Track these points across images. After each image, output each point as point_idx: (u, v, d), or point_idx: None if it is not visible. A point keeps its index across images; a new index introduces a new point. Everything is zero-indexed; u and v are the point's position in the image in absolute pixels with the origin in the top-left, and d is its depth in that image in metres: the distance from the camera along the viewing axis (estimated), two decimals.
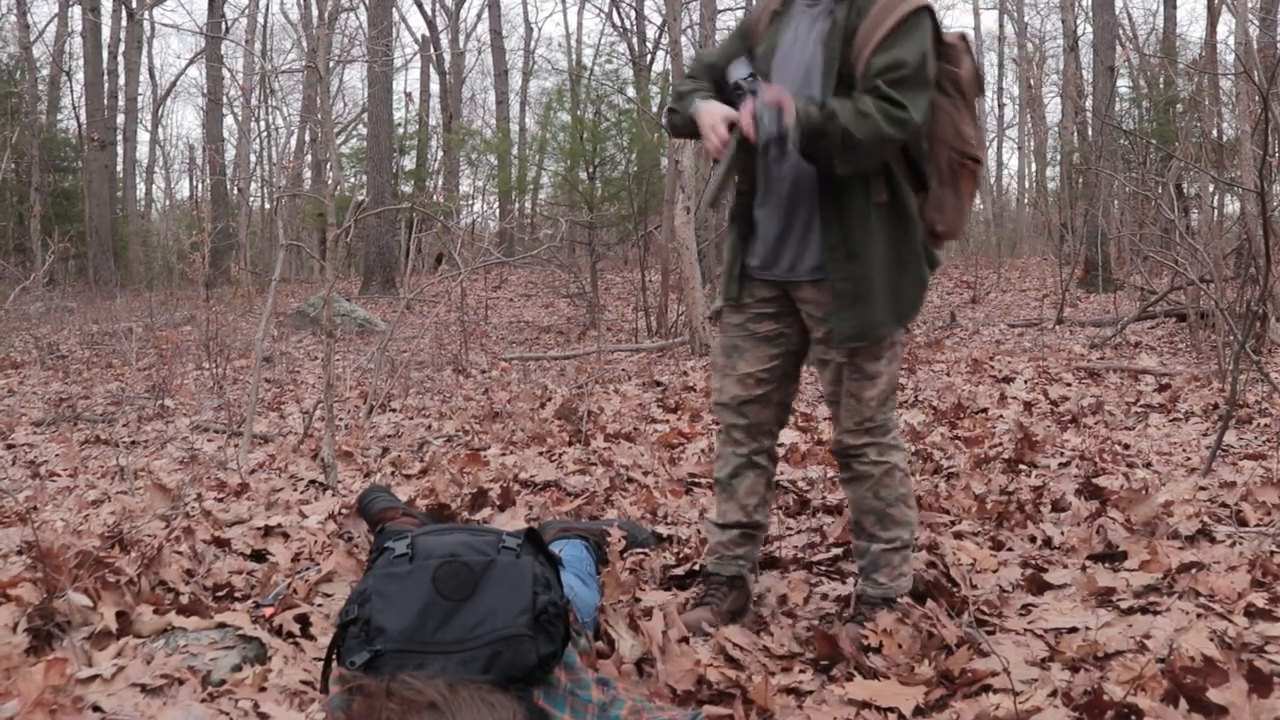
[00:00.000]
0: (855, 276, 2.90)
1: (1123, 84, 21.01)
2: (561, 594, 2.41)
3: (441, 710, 1.92)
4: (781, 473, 4.91)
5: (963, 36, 3.02)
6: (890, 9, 2.82)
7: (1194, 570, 3.32)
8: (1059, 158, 24.97)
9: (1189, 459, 5.13)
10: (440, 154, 32.04)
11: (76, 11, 28.83)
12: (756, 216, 3.08)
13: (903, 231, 2.93)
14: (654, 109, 19.19)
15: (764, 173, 3.03)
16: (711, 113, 2.92)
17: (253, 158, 33.83)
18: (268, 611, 3.14)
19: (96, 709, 2.47)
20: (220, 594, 3.44)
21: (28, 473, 6.10)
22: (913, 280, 2.98)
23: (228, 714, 2.51)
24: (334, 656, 2.30)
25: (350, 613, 2.29)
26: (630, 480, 5.10)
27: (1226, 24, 21.50)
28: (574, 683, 2.33)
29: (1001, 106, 41.03)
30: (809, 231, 2.99)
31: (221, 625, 2.99)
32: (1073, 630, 2.91)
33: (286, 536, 4.07)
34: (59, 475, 5.97)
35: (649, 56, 32.24)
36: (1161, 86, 21.09)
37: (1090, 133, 19.15)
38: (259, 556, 3.87)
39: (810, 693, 2.73)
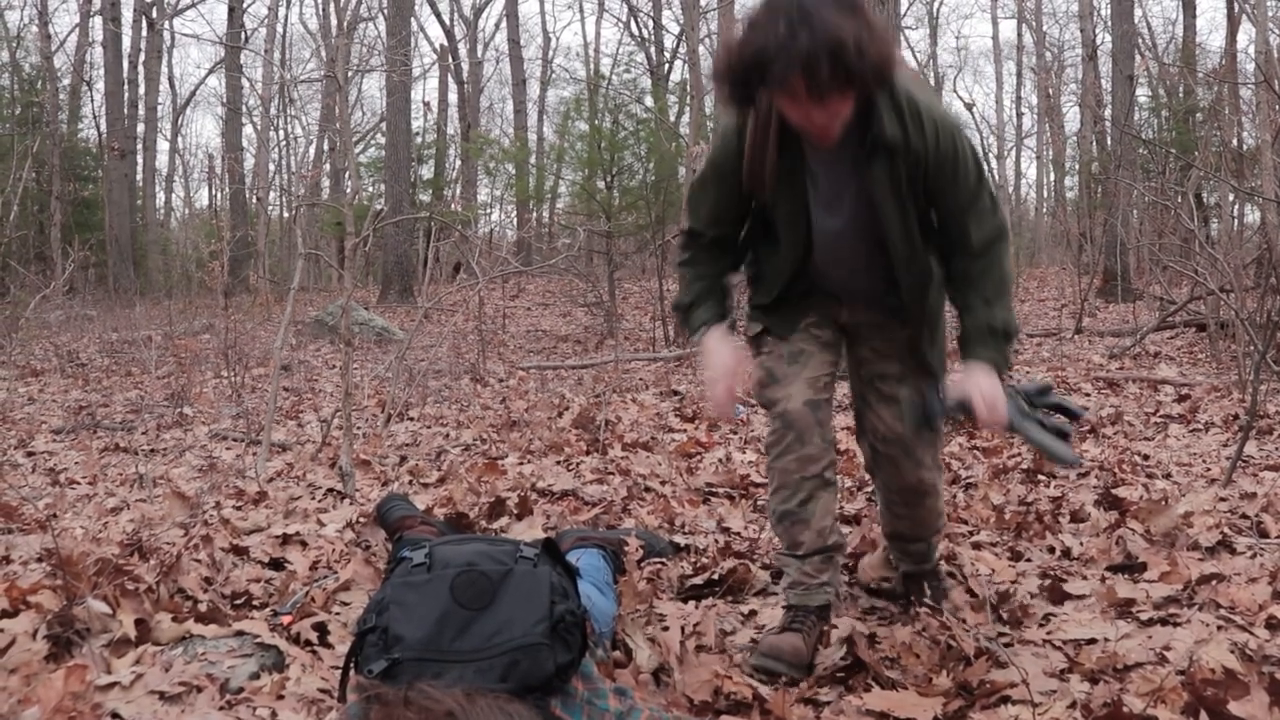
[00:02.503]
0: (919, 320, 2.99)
1: (1142, 93, 20.98)
2: (579, 603, 2.41)
3: (459, 719, 1.92)
4: None
5: None
6: (933, 150, 2.69)
7: (1214, 582, 3.30)
8: (1077, 167, 24.88)
9: (1209, 470, 5.11)
10: (458, 163, 32.14)
11: (97, 22, 28.99)
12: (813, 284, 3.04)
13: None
14: (672, 118, 19.21)
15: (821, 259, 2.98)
16: (717, 368, 2.94)
17: (271, 167, 33.99)
18: (286, 620, 3.15)
19: (115, 716, 2.47)
20: (238, 602, 3.44)
21: (48, 480, 6.13)
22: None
23: None
24: (352, 665, 2.31)
25: (368, 621, 2.29)
26: (648, 489, 5.10)
27: (1247, 33, 21.37)
28: (591, 692, 2.33)
29: (1020, 115, 40.92)
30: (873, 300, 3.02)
31: (240, 633, 3.00)
32: (1092, 641, 2.90)
33: (304, 545, 4.07)
34: (78, 483, 5.99)
35: (667, 66, 32.32)
36: (1181, 95, 21.03)
37: (1109, 142, 19.10)
38: (277, 565, 3.88)
39: (828, 703, 2.73)
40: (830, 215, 2.85)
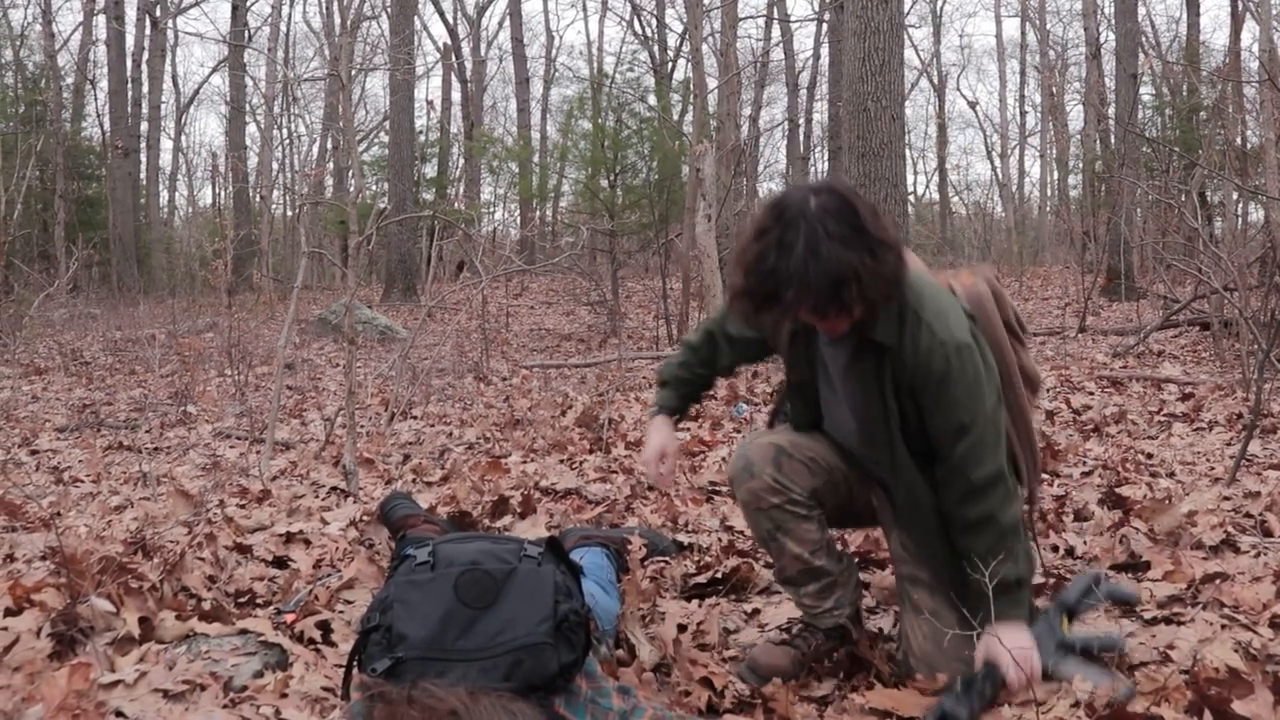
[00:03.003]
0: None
1: (1145, 91, 20.94)
2: (583, 602, 2.41)
3: (463, 718, 1.92)
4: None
5: (985, 291, 2.87)
6: (923, 366, 2.59)
7: (1218, 581, 3.29)
8: (1081, 165, 24.82)
9: (1213, 469, 5.10)
10: (462, 162, 32.10)
11: (101, 20, 28.98)
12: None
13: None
14: (675, 117, 19.20)
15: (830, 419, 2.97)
16: (649, 448, 3.14)
17: (275, 165, 33.99)
18: (289, 618, 3.15)
19: (119, 714, 2.47)
20: (242, 600, 3.45)
21: (52, 478, 6.13)
22: None
23: None
24: (355, 663, 2.31)
25: (372, 620, 2.29)
26: (651, 488, 5.10)
27: (1251, 31, 21.39)
28: (595, 691, 2.33)
29: (1023, 114, 40.82)
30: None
31: (243, 631, 3.00)
32: None
33: (308, 543, 4.08)
34: (82, 481, 6.00)
35: (670, 64, 32.30)
36: (1185, 94, 21.01)
37: (1113, 140, 19.08)
38: (281, 563, 3.88)
39: (831, 702, 2.73)
40: (835, 399, 2.86)
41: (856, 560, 3.81)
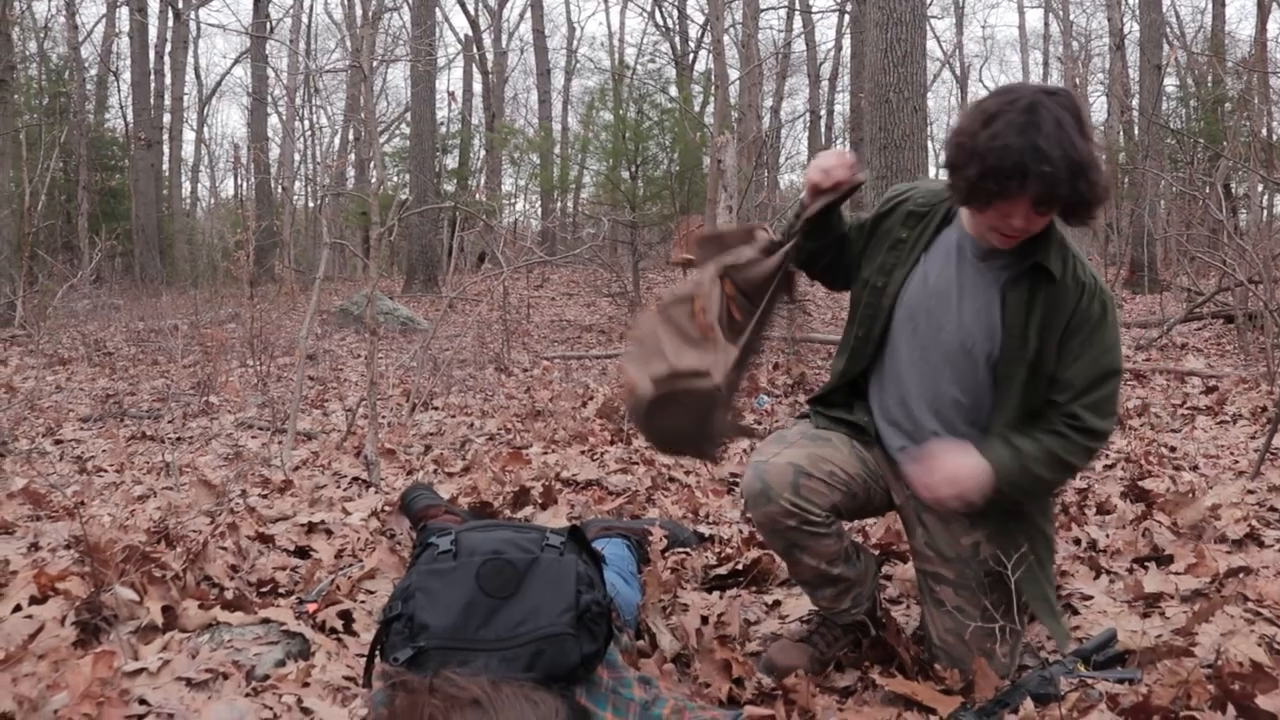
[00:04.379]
0: None
1: (1170, 83, 20.85)
2: (604, 593, 2.41)
3: (484, 707, 1.92)
4: None
5: None
6: (1083, 306, 2.56)
7: (1242, 575, 3.28)
8: (1104, 157, 24.73)
9: (1237, 462, 5.08)
10: (483, 153, 32.16)
11: (124, 12, 29.15)
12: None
13: None
14: (696, 108, 19.17)
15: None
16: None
17: (297, 157, 34.07)
18: (311, 608, 3.16)
19: (143, 702, 2.49)
20: (264, 590, 3.46)
21: (75, 468, 6.16)
22: None
23: (271, 709, 2.52)
24: (377, 652, 2.31)
25: (394, 609, 2.29)
26: (672, 480, 5.10)
27: (1277, 21, 21.24)
28: (616, 681, 2.33)
29: None
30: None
31: (265, 621, 3.01)
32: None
33: (330, 533, 4.09)
34: (106, 471, 6.02)
35: (691, 56, 32.30)
36: (1210, 85, 20.88)
37: (1136, 132, 18.98)
38: (302, 553, 3.90)
39: (853, 692, 2.72)
40: (923, 320, 2.72)
41: (878, 554, 3.81)
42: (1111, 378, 2.57)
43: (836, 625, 2.90)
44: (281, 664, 2.79)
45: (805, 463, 2.72)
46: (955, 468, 2.55)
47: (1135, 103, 18.90)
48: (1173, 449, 5.45)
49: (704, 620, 3.22)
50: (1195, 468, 4.99)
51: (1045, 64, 39.09)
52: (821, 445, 2.79)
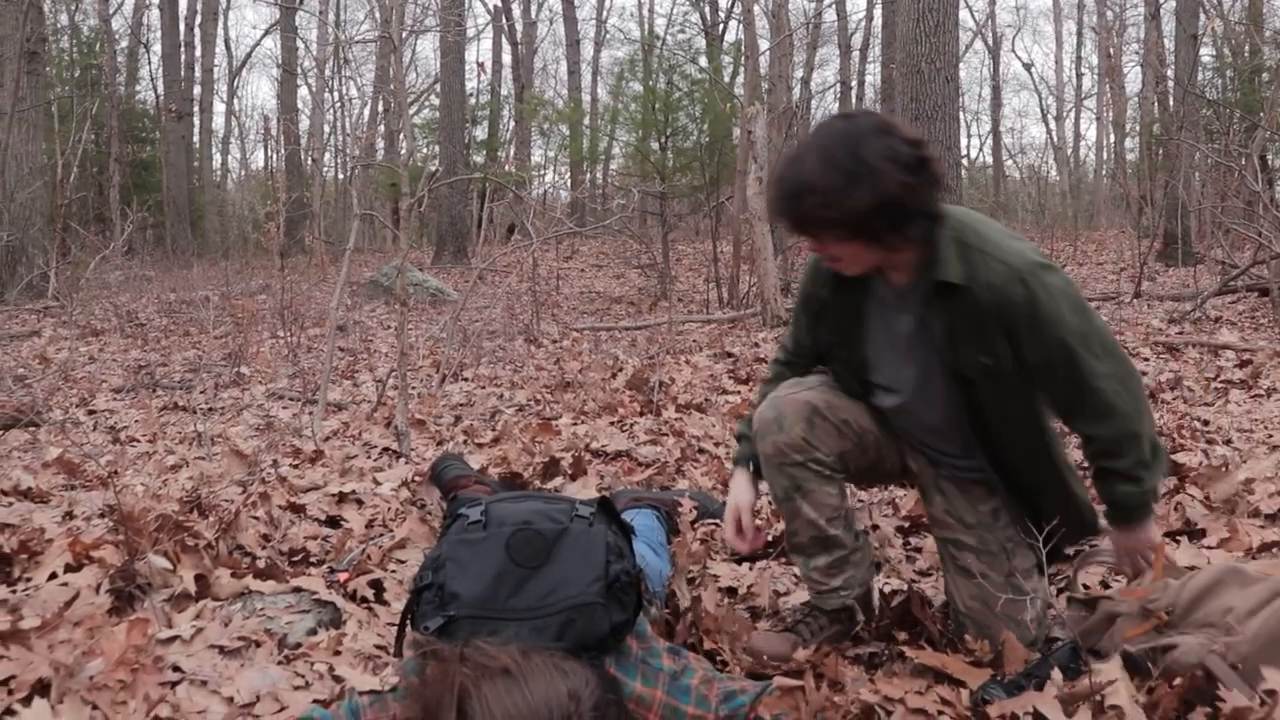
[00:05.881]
0: None
1: (1206, 52, 20.56)
2: (634, 563, 2.41)
3: (515, 676, 1.93)
4: None
5: None
6: (1005, 300, 2.43)
7: (1275, 549, 3.26)
8: (1138, 128, 24.52)
9: (1270, 436, 5.03)
10: (512, 124, 32.11)
11: None
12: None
13: None
14: (727, 79, 19.08)
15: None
16: (729, 508, 2.88)
17: (326, 128, 34.06)
18: (342, 577, 3.18)
19: (176, 669, 2.51)
20: (296, 559, 3.49)
21: (109, 438, 6.21)
22: None
23: (303, 676, 2.54)
24: (408, 621, 2.33)
25: (425, 578, 2.30)
26: (701, 451, 5.10)
27: None
28: (645, 651, 2.34)
29: (1080, 76, 40.32)
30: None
31: (297, 589, 3.04)
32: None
33: (360, 503, 4.11)
34: (139, 441, 6.07)
35: (722, 26, 32.09)
36: (1247, 55, 20.62)
37: (1171, 103, 18.77)
38: (333, 522, 3.92)
39: (882, 663, 2.72)
40: (891, 369, 2.71)
41: (907, 525, 3.80)
42: (1072, 349, 2.44)
43: (824, 614, 2.84)
44: (313, 632, 2.81)
45: (822, 405, 2.74)
46: (1141, 545, 2.66)
47: (1170, 73, 18.67)
48: (1206, 423, 5.40)
49: (733, 592, 3.23)
50: (1229, 441, 4.95)
51: (1079, 34, 38.84)
52: (839, 395, 2.79)
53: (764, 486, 2.88)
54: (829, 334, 2.78)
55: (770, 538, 2.94)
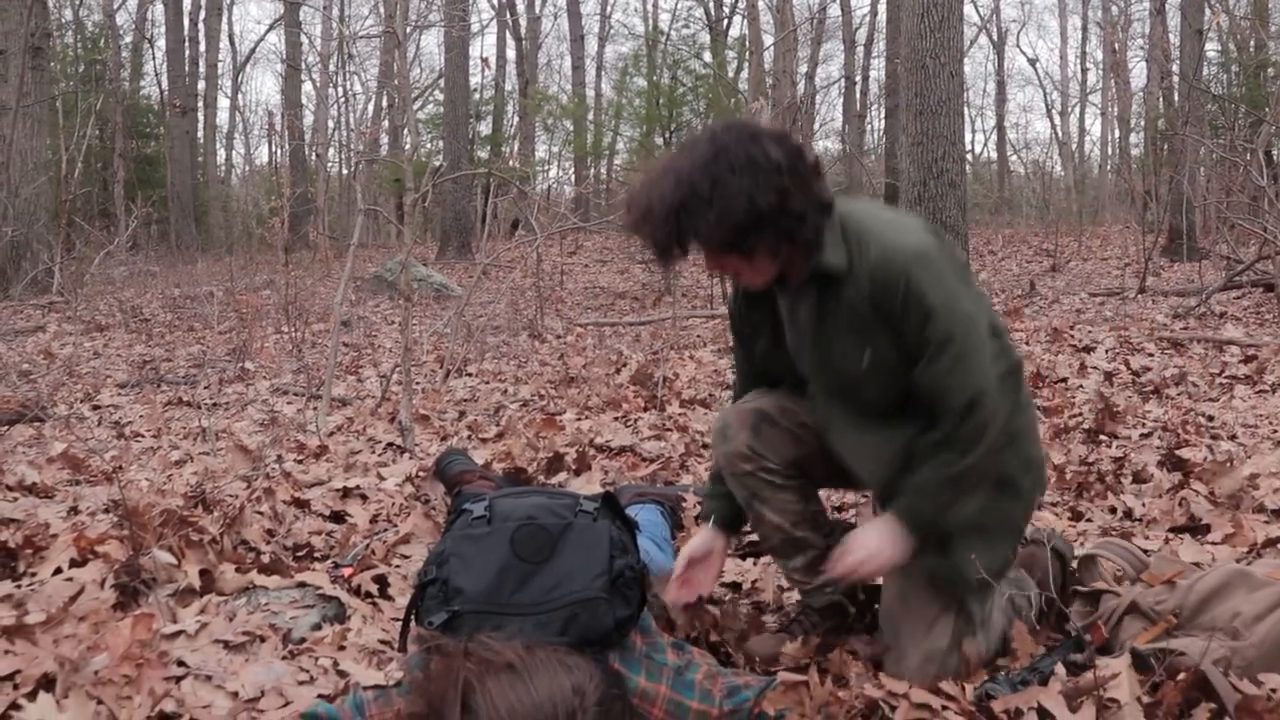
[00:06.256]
0: None
1: (1211, 47, 20.50)
2: (638, 558, 2.41)
3: (519, 671, 1.93)
4: None
5: None
6: (887, 285, 2.33)
7: None
8: (1143, 123, 24.45)
9: (1275, 431, 5.03)
10: (516, 119, 32.14)
11: None
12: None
13: None
14: (731, 74, 19.07)
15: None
16: (682, 552, 2.79)
17: (331, 123, 34.09)
18: (347, 572, 3.19)
19: (181, 664, 2.51)
20: (300, 554, 3.49)
21: (113, 433, 6.22)
22: None
23: (308, 671, 2.55)
24: (413, 616, 2.33)
25: (429, 573, 2.31)
26: (705, 446, 5.09)
27: None
28: (650, 646, 2.34)
29: (1085, 71, 40.27)
30: None
31: (302, 585, 3.04)
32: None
33: (365, 498, 4.11)
34: (143, 436, 6.07)
35: (726, 21, 32.06)
36: (1252, 50, 20.58)
37: (1176, 97, 18.73)
38: (338, 518, 3.92)
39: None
40: (804, 362, 2.62)
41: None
42: (948, 345, 2.33)
43: (815, 611, 2.83)
44: (318, 627, 2.81)
45: (773, 410, 2.68)
46: (866, 547, 2.47)
47: (1176, 68, 18.64)
48: (1210, 418, 5.40)
49: (737, 587, 3.23)
50: (1233, 437, 4.95)
51: (1084, 28, 38.74)
52: (797, 400, 2.70)
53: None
54: (761, 346, 2.70)
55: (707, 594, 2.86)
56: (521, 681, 1.92)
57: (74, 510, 3.71)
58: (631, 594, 2.32)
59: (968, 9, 33.39)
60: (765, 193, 2.24)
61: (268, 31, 41.00)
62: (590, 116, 27.23)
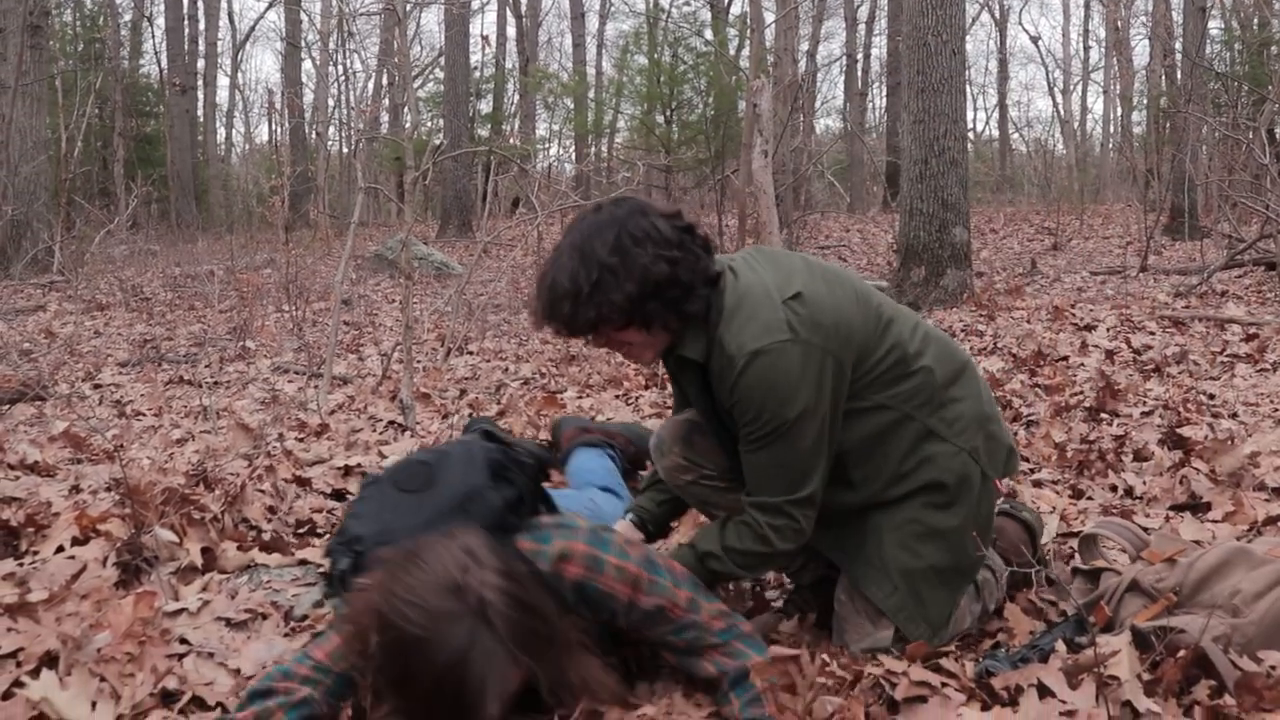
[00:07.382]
0: None
1: (1214, 25, 20.43)
2: (520, 463, 2.52)
3: (411, 558, 2.06)
4: None
5: None
6: (728, 381, 2.37)
7: None
8: (1146, 101, 24.40)
9: (1276, 410, 5.02)
10: (517, 97, 32.07)
11: None
12: None
13: None
14: (732, 52, 19.01)
15: None
16: None
17: (331, 101, 34.01)
18: None
19: (183, 641, 2.52)
20: (301, 531, 3.50)
21: (115, 412, 6.21)
22: None
23: None
24: (332, 580, 2.44)
25: (334, 542, 2.43)
26: None
27: None
28: (559, 520, 2.43)
29: (1087, 49, 40.16)
30: None
31: (303, 562, 3.05)
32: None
33: (365, 476, 4.11)
34: (144, 414, 6.07)
35: None
36: (1255, 27, 20.51)
37: (1179, 76, 18.68)
38: (339, 495, 3.93)
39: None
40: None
41: None
42: (764, 446, 2.39)
43: (805, 589, 2.87)
44: (319, 605, 2.82)
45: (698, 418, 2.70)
46: None
47: (1178, 45, 18.58)
48: (1211, 396, 5.39)
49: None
50: (1234, 415, 4.94)
51: (1086, 6, 38.62)
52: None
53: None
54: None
55: None
56: (415, 564, 2.04)
57: (76, 489, 3.71)
58: (516, 477, 2.43)
59: None
60: (659, 268, 2.31)
61: (267, 9, 40.94)
62: (591, 94, 27.15)
